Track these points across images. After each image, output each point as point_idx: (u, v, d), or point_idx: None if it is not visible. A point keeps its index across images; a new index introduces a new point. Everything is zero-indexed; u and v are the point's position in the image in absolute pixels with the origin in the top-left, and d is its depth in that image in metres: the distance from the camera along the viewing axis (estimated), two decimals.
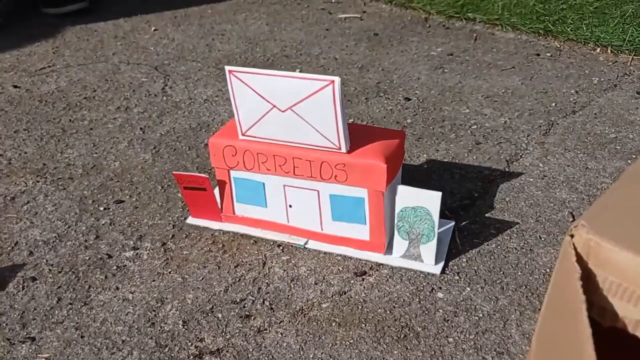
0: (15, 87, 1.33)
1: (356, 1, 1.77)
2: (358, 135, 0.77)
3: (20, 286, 0.79)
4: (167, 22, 1.67)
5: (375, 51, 1.45)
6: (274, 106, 0.74)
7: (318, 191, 0.79)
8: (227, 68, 0.75)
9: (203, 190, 0.84)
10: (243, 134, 0.80)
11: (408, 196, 0.75)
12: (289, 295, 0.76)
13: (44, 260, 0.83)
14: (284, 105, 0.74)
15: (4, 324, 0.73)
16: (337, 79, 0.69)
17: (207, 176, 0.83)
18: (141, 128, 1.16)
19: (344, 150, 0.75)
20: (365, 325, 0.72)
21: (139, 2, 1.82)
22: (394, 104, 1.21)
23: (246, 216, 0.86)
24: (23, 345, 0.71)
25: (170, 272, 0.81)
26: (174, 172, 0.84)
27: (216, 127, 1.16)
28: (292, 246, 0.84)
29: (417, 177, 0.98)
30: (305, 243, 0.83)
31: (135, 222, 0.90)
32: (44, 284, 0.80)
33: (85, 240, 0.87)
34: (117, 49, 1.51)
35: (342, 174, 0.76)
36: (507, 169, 1.00)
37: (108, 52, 1.50)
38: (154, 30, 1.63)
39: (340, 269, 0.80)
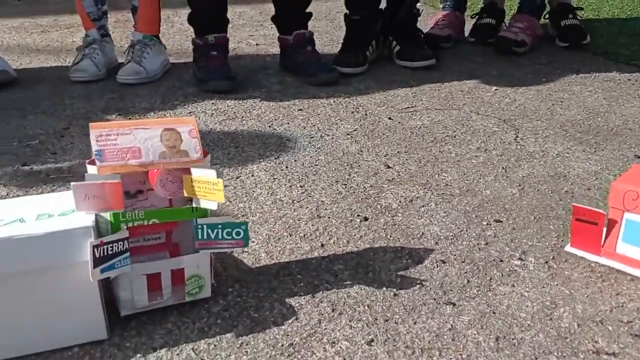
0: (389, 119, 1.66)
1: None
2: None
3: (435, 264, 1.02)
4: (507, 83, 1.89)
5: None
6: None
7: None
8: None
9: (594, 224, 0.99)
10: None
11: None
12: None
13: (449, 250, 1.06)
14: None
15: (429, 288, 0.97)
16: None
17: (604, 213, 0.98)
18: (503, 167, 1.36)
19: None
20: None
21: (479, 65, 2.09)
22: None
23: (627, 255, 0.98)
24: (447, 307, 0.92)
25: (556, 285, 0.97)
26: (573, 204, 1.01)
27: (572, 179, 1.30)
28: None
29: None
30: None
31: (516, 240, 1.09)
32: (452, 267, 1.02)
33: (478, 244, 1.08)
34: (465, 100, 1.78)
35: None
36: None
37: (458, 102, 1.76)
38: (495, 89, 1.86)
39: None
